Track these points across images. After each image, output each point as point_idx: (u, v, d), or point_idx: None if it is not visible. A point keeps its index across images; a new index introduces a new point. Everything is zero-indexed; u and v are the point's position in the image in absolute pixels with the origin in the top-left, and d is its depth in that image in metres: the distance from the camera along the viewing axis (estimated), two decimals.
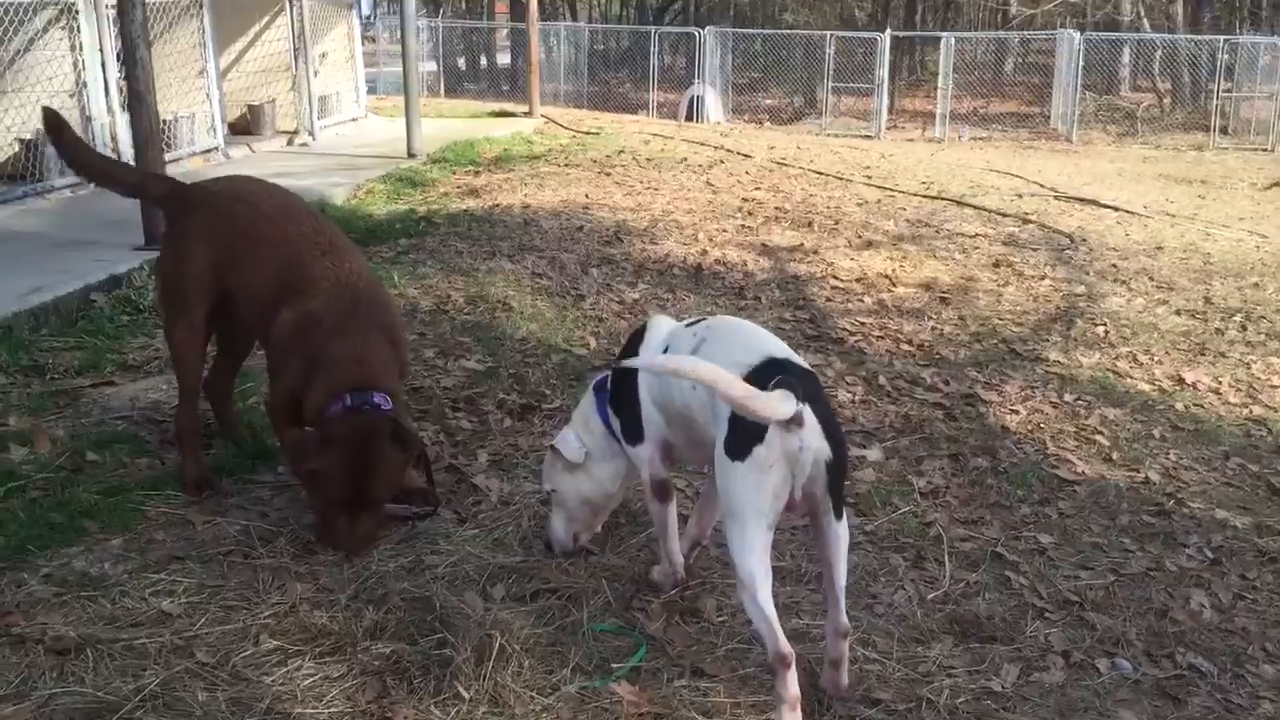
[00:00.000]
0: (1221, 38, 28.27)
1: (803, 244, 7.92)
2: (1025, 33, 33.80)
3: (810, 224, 8.57)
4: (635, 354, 3.43)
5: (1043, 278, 7.74)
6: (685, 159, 11.35)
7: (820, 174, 11.20)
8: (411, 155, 10.56)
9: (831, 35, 27.66)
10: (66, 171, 8.77)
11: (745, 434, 2.83)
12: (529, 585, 3.52)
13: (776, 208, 9.04)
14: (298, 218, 3.88)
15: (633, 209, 8.53)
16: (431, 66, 30.10)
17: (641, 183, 9.75)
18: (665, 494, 3.43)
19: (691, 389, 3.12)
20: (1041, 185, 12.67)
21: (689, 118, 26.71)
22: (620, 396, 3.50)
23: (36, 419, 4.45)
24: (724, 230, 8.09)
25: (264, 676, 3.03)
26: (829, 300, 6.71)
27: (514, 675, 3.04)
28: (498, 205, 8.33)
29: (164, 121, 10.75)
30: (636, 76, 31.69)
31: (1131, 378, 5.98)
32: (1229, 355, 6.49)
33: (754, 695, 3.04)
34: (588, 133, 13.66)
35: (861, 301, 6.74)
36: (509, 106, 17.26)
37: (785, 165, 11.58)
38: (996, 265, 7.87)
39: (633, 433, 3.42)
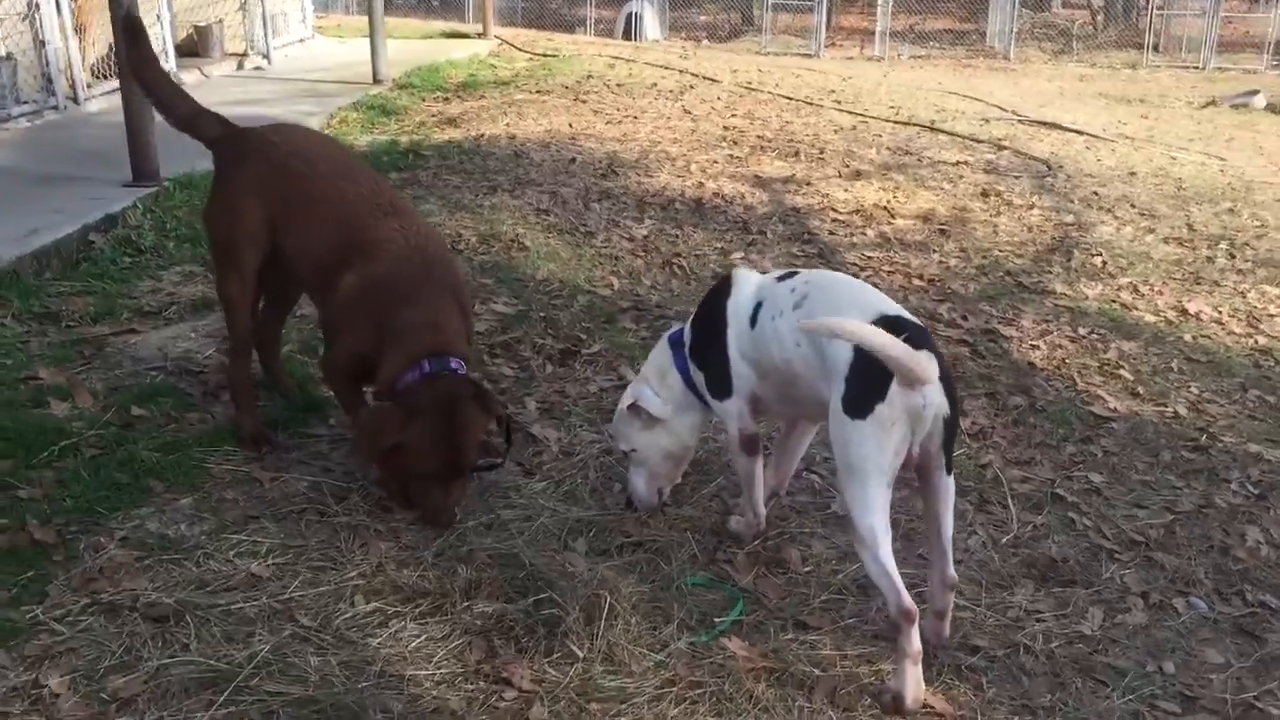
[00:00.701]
0: None
1: (794, 175, 7.89)
2: None
3: (797, 153, 8.53)
4: (721, 309, 3.39)
5: (1031, 207, 7.81)
6: (655, 84, 11.19)
7: (789, 99, 11.13)
8: (378, 81, 10.25)
9: None
10: (23, 98, 8.46)
11: (866, 391, 2.82)
12: (610, 539, 3.52)
13: (759, 136, 8.98)
14: (355, 177, 3.76)
15: (619, 139, 8.41)
16: None
17: (620, 110, 9.60)
18: (754, 447, 3.43)
19: (795, 345, 3.11)
20: (1002, 109, 12.73)
21: (625, 35, 26.35)
22: (703, 350, 3.48)
23: (66, 370, 4.30)
24: (714, 161, 8.02)
25: (368, 639, 3.00)
26: (832, 234, 6.71)
27: (624, 633, 3.05)
28: (483, 136, 8.15)
29: (111, 45, 10.36)
30: None
31: (1137, 309, 6.09)
32: (1223, 284, 6.64)
33: (859, 647, 3.10)
34: (545, 55, 13.39)
35: (864, 234, 6.75)
36: (460, 27, 16.82)
37: (754, 90, 11.48)
38: (985, 195, 7.92)
39: (721, 388, 3.40)
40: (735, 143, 8.68)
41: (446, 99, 9.99)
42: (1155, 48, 26.77)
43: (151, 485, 3.60)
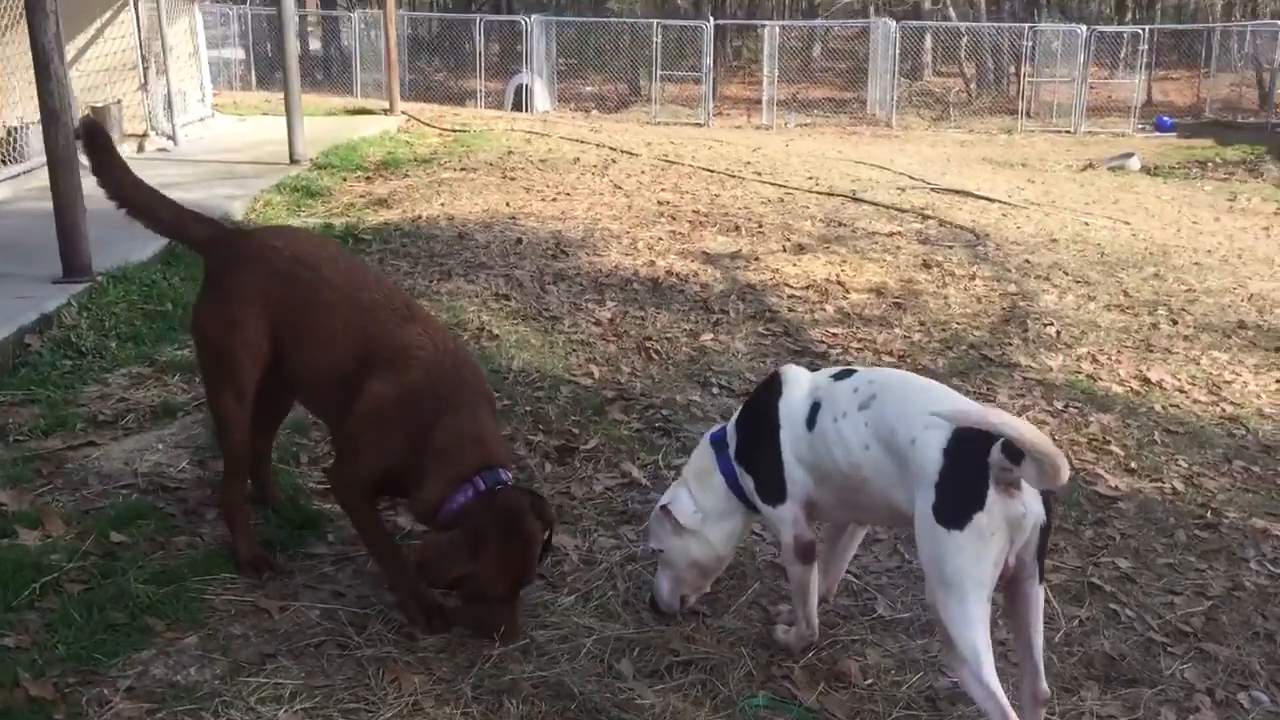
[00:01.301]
0: (1026, 25, 29.69)
1: (740, 250, 7.83)
2: (841, 21, 34.78)
3: (737, 228, 8.49)
4: (773, 410, 3.24)
5: (972, 277, 7.88)
6: (577, 159, 11.10)
7: (710, 171, 11.14)
8: (295, 161, 9.93)
9: (658, 24, 27.71)
10: None
11: (963, 499, 2.69)
12: (658, 659, 3.31)
13: (694, 211, 8.92)
14: (365, 281, 3.54)
15: (559, 217, 8.26)
16: (240, 54, 28.66)
17: (551, 187, 9.46)
18: (810, 555, 3.25)
19: (864, 449, 2.97)
20: (910, 177, 12.96)
21: (516, 107, 26.37)
22: (752, 453, 3.31)
23: (28, 493, 3.92)
24: (659, 238, 7.92)
25: None
26: (792, 310, 6.64)
27: None
28: (420, 217, 7.92)
29: (10, 129, 9.85)
30: (451, 65, 31.03)
31: (1102, 379, 6.13)
32: (1174, 351, 6.75)
33: None
34: (455, 130, 13.22)
35: (824, 310, 6.70)
36: (365, 103, 16.53)
37: (674, 163, 11.47)
38: (927, 266, 7.97)
39: (774, 493, 3.23)
40: (673, 218, 8.61)
41: (369, 178, 9.72)
42: (1027, 113, 27.85)
43: (150, 624, 3.28)
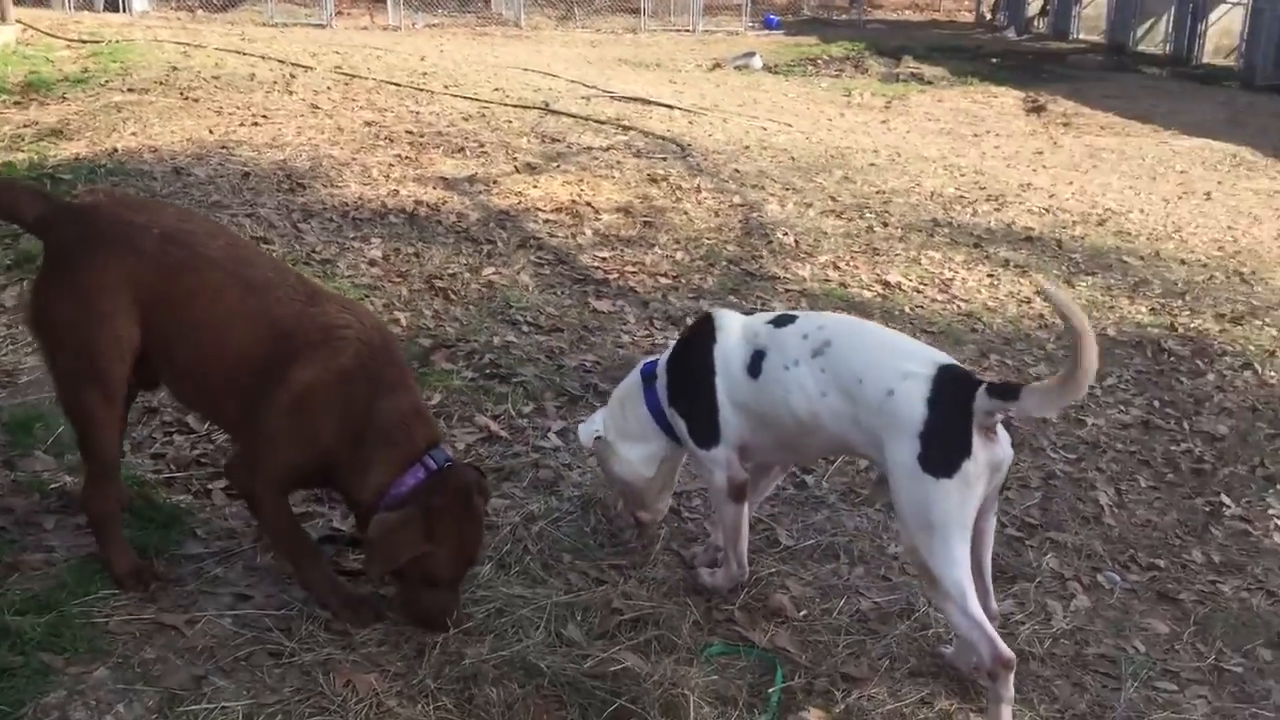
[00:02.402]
0: None
1: (475, 173, 7.62)
2: None
3: (462, 149, 8.23)
4: (707, 353, 3.27)
5: (699, 190, 8.11)
6: (252, 75, 10.23)
7: (396, 85, 10.67)
8: None
9: None
10: None
11: (951, 449, 2.82)
12: (603, 619, 3.28)
13: (408, 132, 8.55)
14: (249, 257, 3.18)
15: (273, 145, 7.64)
16: None
17: (243, 109, 8.70)
18: (742, 494, 3.34)
19: (821, 396, 3.04)
20: (585, 85, 13.03)
21: (110, 8, 23.85)
22: (683, 396, 3.33)
23: None
24: (389, 164, 7.54)
25: None
26: (553, 236, 6.59)
27: None
28: (115, 150, 7.06)
29: None
30: None
31: (850, 285, 6.56)
32: (896, 253, 7.32)
33: (912, 689, 3.12)
34: (86, 41, 11.84)
35: (584, 234, 6.70)
36: None
37: (355, 76, 10.88)
38: (654, 181, 8.11)
39: (707, 436, 3.28)
40: (390, 140, 8.22)
41: (20, 103, 8.56)
42: (650, 13, 28.55)
43: (48, 661, 2.86)
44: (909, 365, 2.92)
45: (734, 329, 3.26)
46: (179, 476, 3.79)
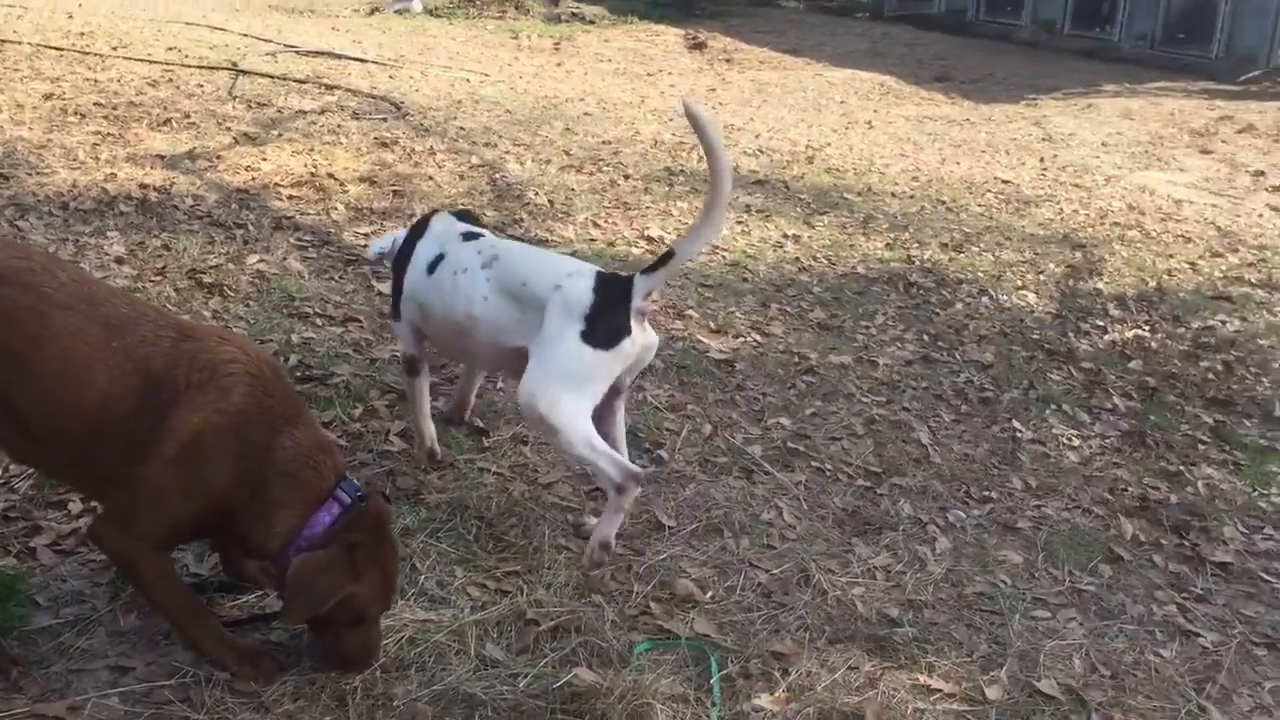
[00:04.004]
0: None
1: (193, 149, 6.96)
2: None
3: (168, 122, 7.47)
4: (411, 246, 3.69)
5: (433, 152, 7.82)
6: None
7: (58, 50, 9.54)
8: None
9: None
10: None
11: (613, 327, 3.24)
12: (519, 633, 3.17)
13: (97, 104, 7.66)
14: (99, 294, 2.78)
15: None
16: None
17: None
18: (413, 369, 3.76)
19: (483, 299, 3.42)
20: (261, 39, 12.19)
21: None
22: (393, 271, 3.78)
23: None
24: (92, 143, 6.75)
25: None
26: (305, 214, 6.17)
27: None
28: None
29: None
30: None
31: (617, 244, 6.57)
32: (648, 205, 7.39)
33: (836, 655, 3.23)
34: None
35: (338, 210, 6.31)
36: None
37: (7, 41, 9.60)
38: (386, 145, 7.74)
39: (394, 311, 3.76)
40: (80, 114, 7.36)
41: None
42: None
43: None
44: (571, 268, 3.39)
45: (436, 231, 3.67)
46: None
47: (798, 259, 6.76)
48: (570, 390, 3.24)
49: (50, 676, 2.80)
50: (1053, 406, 5.17)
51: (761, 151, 9.55)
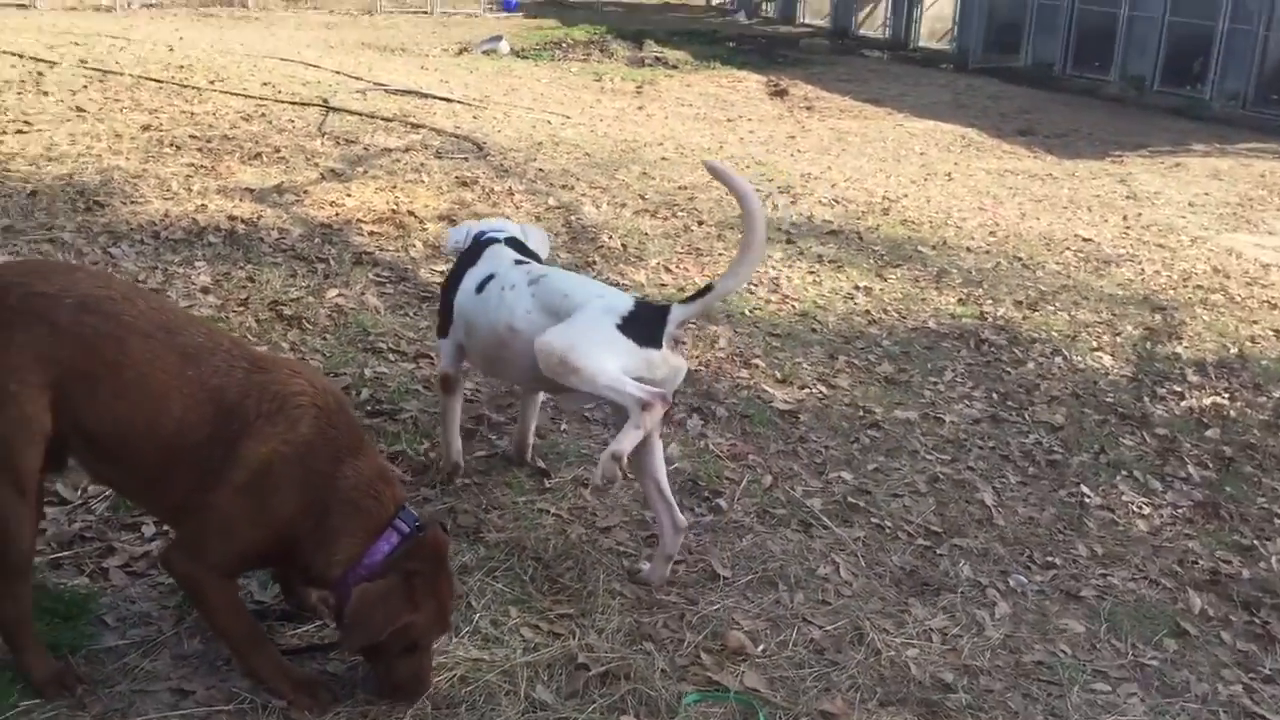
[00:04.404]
0: None
1: (281, 183, 7.18)
2: None
3: (258, 156, 7.72)
4: (462, 269, 3.84)
5: (511, 193, 7.96)
6: None
7: (158, 81, 9.91)
8: None
9: None
10: None
11: (643, 334, 3.34)
12: (570, 677, 3.19)
13: (192, 136, 7.95)
14: (178, 322, 2.88)
15: (50, 156, 6.91)
16: None
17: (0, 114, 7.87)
18: (448, 388, 3.90)
19: (525, 313, 3.52)
20: (352, 76, 12.52)
21: None
22: (443, 290, 3.95)
23: None
24: (186, 175, 6.99)
25: None
26: (383, 250, 6.31)
27: None
28: None
29: None
30: None
31: (687, 289, 6.60)
32: (720, 252, 7.42)
33: (894, 715, 3.19)
34: None
35: (414, 246, 6.45)
36: None
37: (109, 72, 10.01)
38: (466, 185, 7.90)
39: (439, 326, 3.93)
40: (176, 146, 7.63)
41: None
42: None
43: None
44: (613, 291, 3.56)
45: (488, 256, 3.81)
46: (66, 556, 3.41)
47: (868, 311, 6.75)
48: (591, 343, 3.29)
49: (114, 696, 2.87)
50: (1124, 472, 5.08)
51: (837, 201, 9.56)
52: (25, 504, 2.75)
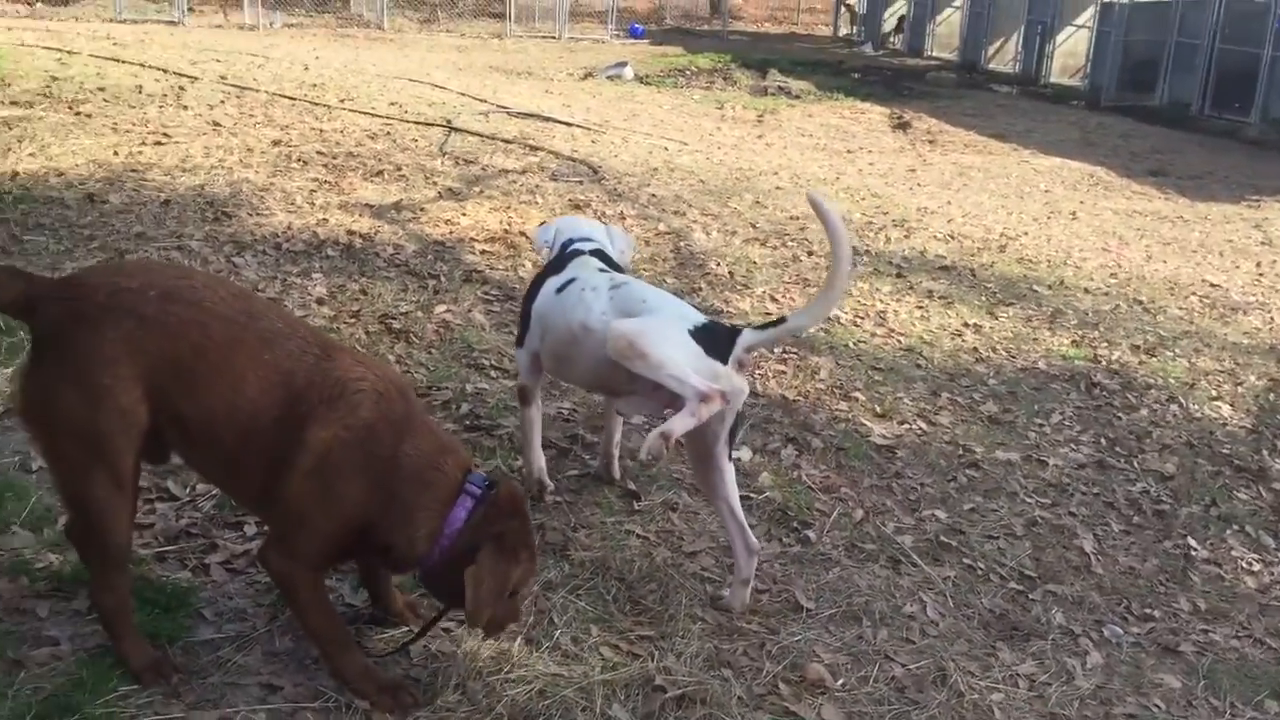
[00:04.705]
0: None
1: (400, 200, 7.39)
2: None
3: (380, 173, 7.97)
4: (543, 278, 3.92)
5: (623, 217, 8.05)
6: (139, 87, 9.72)
7: (291, 99, 10.29)
8: None
9: None
10: None
11: (711, 347, 3.36)
12: (647, 698, 3.20)
13: (319, 152, 8.24)
14: (258, 309, 3.00)
15: (184, 168, 7.25)
16: None
17: (140, 126, 8.24)
18: (526, 400, 3.98)
19: (601, 314, 3.55)
20: (476, 98, 12.81)
21: None
22: (526, 298, 4.00)
23: None
24: (310, 189, 7.25)
25: None
26: (493, 269, 6.44)
27: None
28: (16, 173, 6.59)
29: None
30: None
31: None
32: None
33: None
34: None
35: (524, 266, 6.56)
36: None
37: (245, 89, 10.44)
38: (578, 208, 8.01)
39: (518, 337, 4.01)
40: (303, 162, 7.91)
41: None
42: (515, 18, 28.32)
43: None
44: (690, 312, 3.54)
45: (574, 264, 3.88)
46: (170, 550, 3.55)
47: (975, 349, 6.64)
48: (662, 334, 3.34)
49: (207, 687, 2.98)
50: (1234, 527, 4.91)
51: (952, 237, 9.43)
52: (123, 496, 2.86)
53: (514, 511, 2.93)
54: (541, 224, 4.24)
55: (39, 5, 24.61)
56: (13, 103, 8.45)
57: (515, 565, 2.87)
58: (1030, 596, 4.05)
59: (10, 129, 7.59)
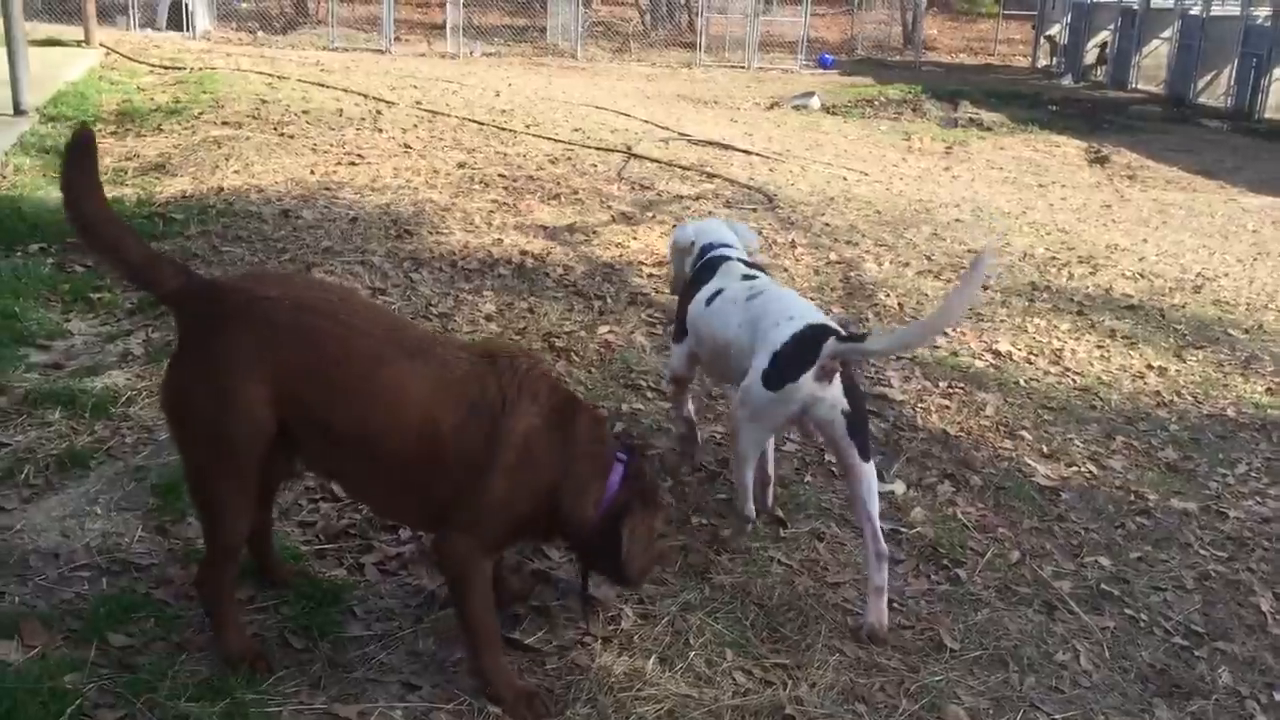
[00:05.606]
0: None
1: (574, 222, 7.56)
2: None
3: (557, 196, 8.19)
4: (697, 283, 4.24)
5: (794, 245, 8.02)
6: (340, 110, 10.27)
7: (480, 124, 10.66)
8: (20, 111, 8.53)
9: None
10: None
11: (786, 371, 3.58)
12: None
13: (501, 175, 8.52)
14: (399, 324, 3.16)
15: (373, 187, 7.62)
16: None
17: (337, 147, 8.70)
18: (678, 387, 4.44)
19: (737, 326, 3.89)
20: (659, 126, 12.99)
21: (172, 25, 24.08)
22: (681, 300, 4.37)
23: None
24: (489, 210, 7.50)
25: None
26: (660, 292, 6.49)
27: None
28: (221, 189, 7.05)
29: None
30: None
31: (961, 354, 6.43)
32: (1002, 319, 7.19)
33: None
34: (169, 67, 11.90)
35: None
36: (53, 31, 14.44)
37: (438, 114, 10.88)
38: (760, 236, 8.01)
39: (676, 331, 4.38)
40: (485, 184, 8.18)
41: (117, 133, 8.57)
42: (705, 48, 28.63)
43: None
44: (795, 313, 3.75)
45: (722, 271, 4.20)
46: (330, 549, 3.71)
47: (1158, 392, 6.34)
48: (749, 421, 3.73)
49: (350, 681, 3.10)
50: None
51: (1143, 275, 9.04)
52: (244, 495, 2.97)
53: (645, 470, 3.18)
54: (676, 225, 4.54)
55: (260, 34, 26.23)
56: (224, 123, 9.02)
57: (659, 512, 3.17)
58: (1196, 654, 3.83)
59: (220, 147, 8.10)
